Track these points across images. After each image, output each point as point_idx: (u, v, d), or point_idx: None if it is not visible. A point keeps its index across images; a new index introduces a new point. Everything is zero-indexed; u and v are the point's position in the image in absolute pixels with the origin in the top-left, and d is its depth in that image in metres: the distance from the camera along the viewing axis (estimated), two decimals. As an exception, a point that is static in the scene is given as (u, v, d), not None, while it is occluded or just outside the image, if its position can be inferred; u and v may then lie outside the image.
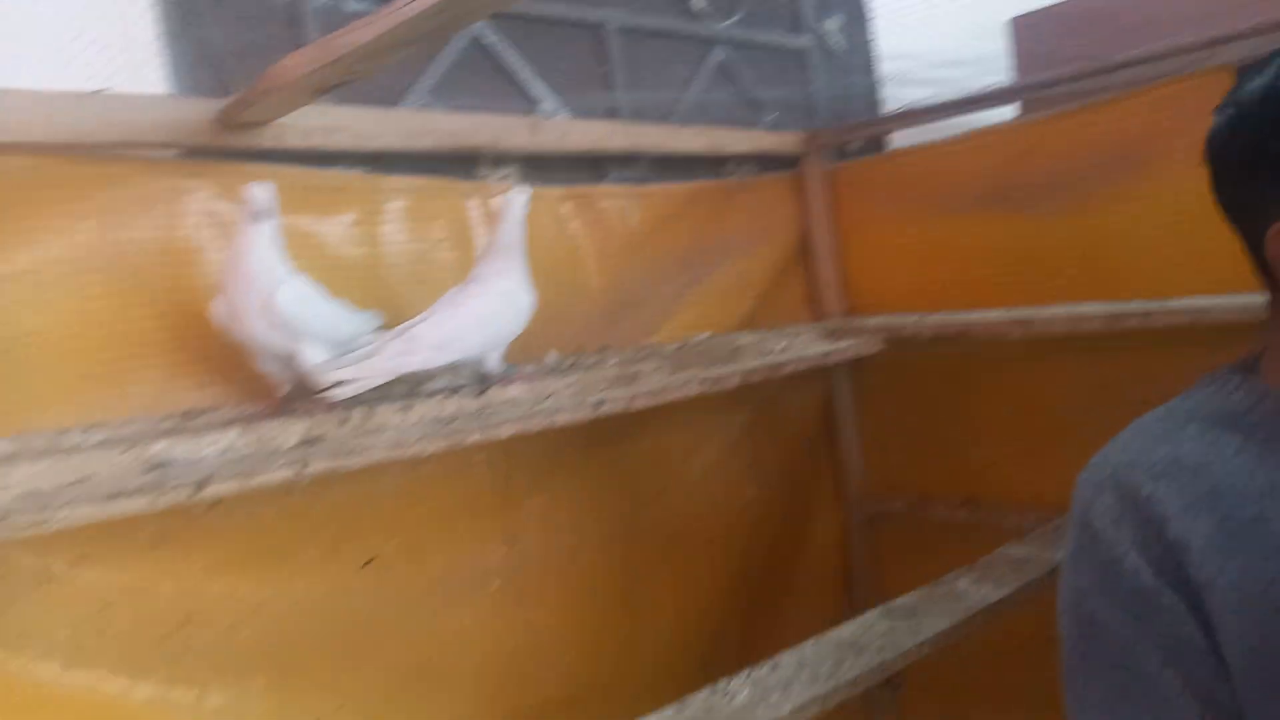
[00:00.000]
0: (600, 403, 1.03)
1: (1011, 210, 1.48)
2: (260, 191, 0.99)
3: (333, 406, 0.98)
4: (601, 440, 1.42)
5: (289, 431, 0.92)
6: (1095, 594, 0.64)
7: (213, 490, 0.78)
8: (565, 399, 1.06)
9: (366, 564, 1.21)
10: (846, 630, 1.02)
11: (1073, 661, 0.66)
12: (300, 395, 1.03)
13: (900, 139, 1.83)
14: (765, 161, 1.71)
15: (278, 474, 0.82)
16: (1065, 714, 0.67)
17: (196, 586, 1.08)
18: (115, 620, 1.02)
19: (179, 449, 0.84)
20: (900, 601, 1.09)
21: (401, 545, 1.23)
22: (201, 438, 0.87)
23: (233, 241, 1.02)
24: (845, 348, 1.36)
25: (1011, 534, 1.35)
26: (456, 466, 1.28)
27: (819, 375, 1.71)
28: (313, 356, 0.98)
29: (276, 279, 1.00)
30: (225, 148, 1.11)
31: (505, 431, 0.94)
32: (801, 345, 1.40)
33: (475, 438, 0.92)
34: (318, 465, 0.84)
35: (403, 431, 0.95)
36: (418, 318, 1.03)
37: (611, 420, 1.42)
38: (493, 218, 1.34)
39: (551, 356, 1.33)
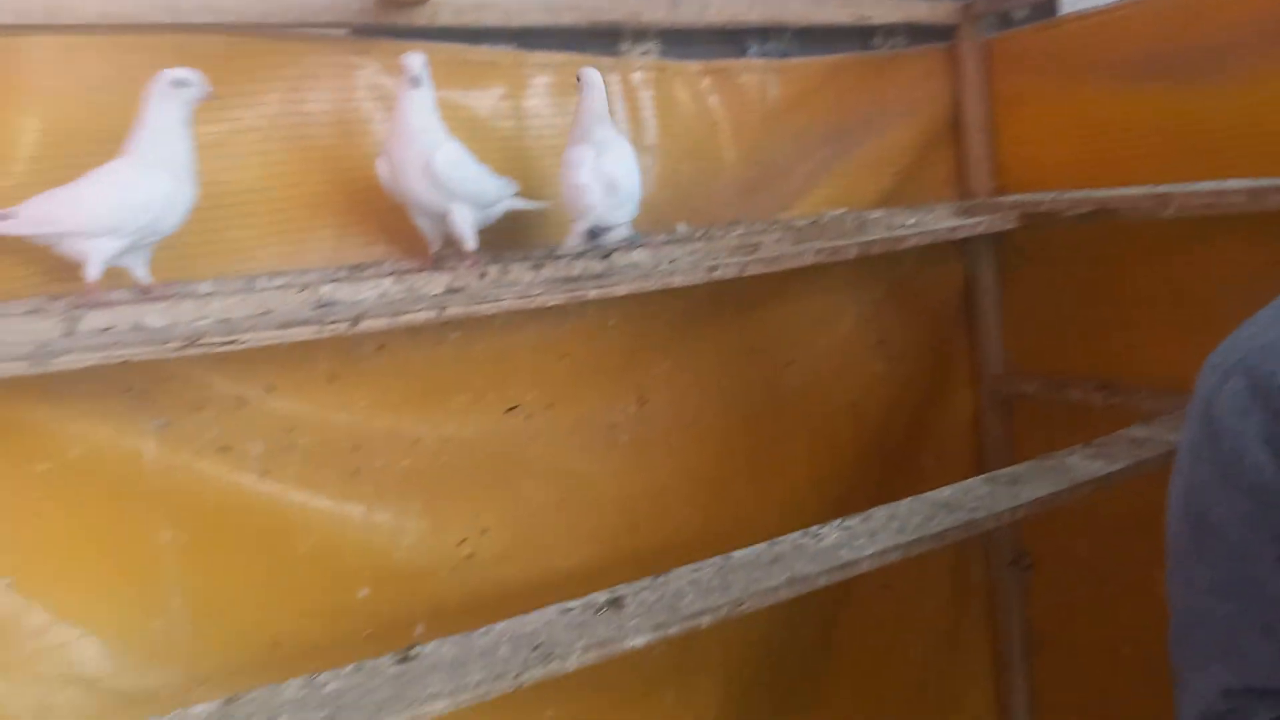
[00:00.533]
0: (714, 268, 1.09)
1: (1176, 83, 1.40)
2: (414, 59, 1.09)
3: (476, 263, 1.09)
4: (730, 310, 1.48)
5: (435, 282, 1.04)
6: (1212, 488, 0.62)
7: (366, 325, 0.91)
8: (683, 263, 1.13)
9: (510, 410, 1.34)
10: (945, 492, 1.07)
11: (1180, 548, 0.64)
12: (449, 252, 1.15)
13: (1070, 3, 1.73)
14: (916, 33, 1.66)
15: (420, 315, 0.94)
16: (1168, 593, 0.66)
17: (364, 420, 1.24)
18: (299, 442, 1.20)
19: (342, 292, 0.97)
20: (1006, 470, 1.12)
21: (541, 396, 1.36)
22: (362, 284, 1.01)
23: (395, 108, 1.14)
24: (975, 224, 1.35)
25: (1145, 419, 1.33)
26: (591, 328, 1.38)
27: (958, 253, 1.69)
28: (462, 216, 1.09)
29: (434, 142, 1.11)
30: (388, 26, 1.22)
31: (621, 290, 1.03)
32: (932, 221, 1.40)
33: (594, 294, 1.01)
34: (454, 310, 0.95)
35: (531, 286, 1.05)
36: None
37: (740, 290, 1.49)
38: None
39: (681, 228, 1.39)
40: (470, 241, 1.11)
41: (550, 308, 1.30)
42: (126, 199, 0.99)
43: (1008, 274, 1.69)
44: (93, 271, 0.98)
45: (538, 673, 0.78)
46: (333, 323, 0.89)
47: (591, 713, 1.37)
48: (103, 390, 1.09)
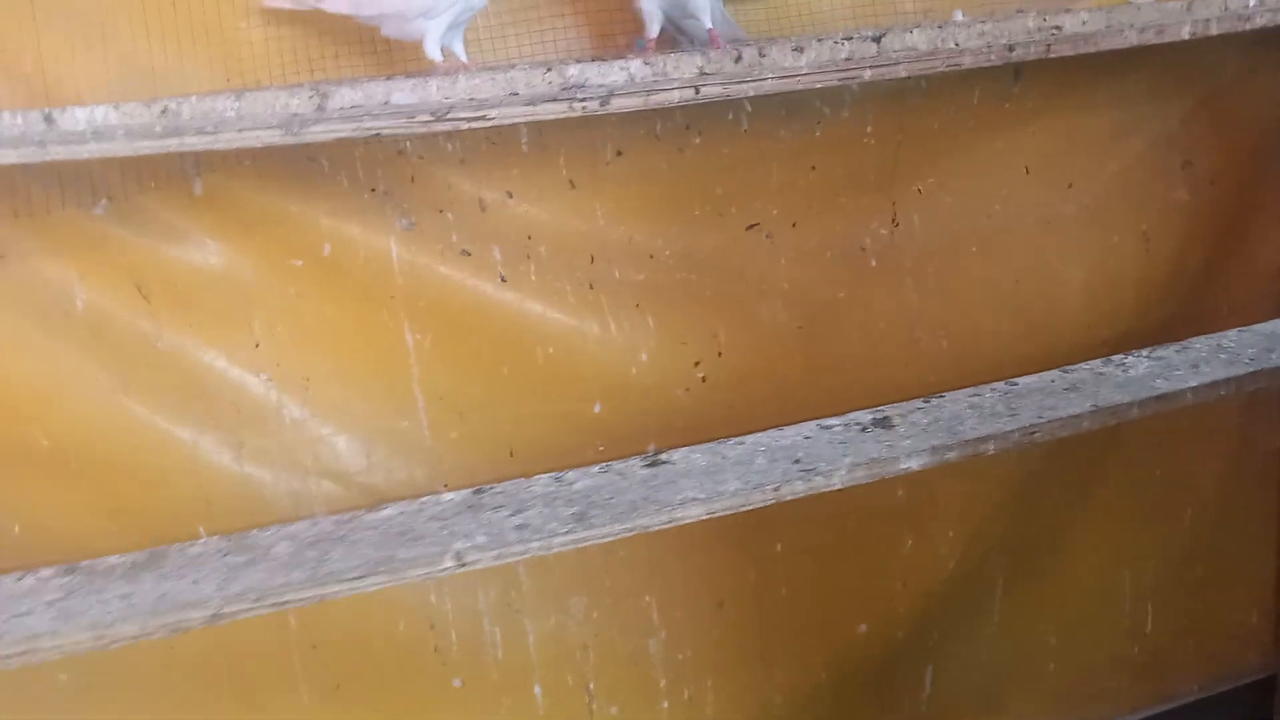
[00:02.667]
0: (1012, 46, 0.92)
1: None
2: None
3: (725, 46, 0.98)
4: (1004, 122, 1.30)
5: (686, 65, 0.94)
6: None
7: (617, 104, 0.83)
8: (972, 44, 0.96)
9: (751, 228, 1.24)
10: (1274, 324, 0.89)
11: None
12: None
13: None
14: None
15: (675, 94, 0.85)
16: None
17: (601, 231, 1.19)
18: (537, 250, 1.16)
19: (590, 73, 0.89)
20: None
21: (785, 213, 1.25)
22: (611, 64, 0.92)
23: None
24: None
25: None
26: (846, 136, 1.24)
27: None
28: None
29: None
30: None
31: (902, 70, 0.89)
32: (1282, 2, 1.14)
33: (867, 75, 0.88)
34: (710, 90, 0.85)
35: (795, 69, 0.93)
36: None
37: (1018, 98, 1.29)
38: None
39: (959, 14, 1.20)
40: (710, 19, 0.99)
41: (807, 108, 1.19)
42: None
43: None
44: (429, 50, 0.96)
45: (799, 487, 0.71)
46: (583, 100, 0.82)
47: (821, 550, 1.31)
48: (350, 190, 1.09)
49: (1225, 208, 1.42)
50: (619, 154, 1.17)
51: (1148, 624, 1.53)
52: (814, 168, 1.25)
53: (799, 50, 0.97)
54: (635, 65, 0.93)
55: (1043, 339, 1.32)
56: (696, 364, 1.23)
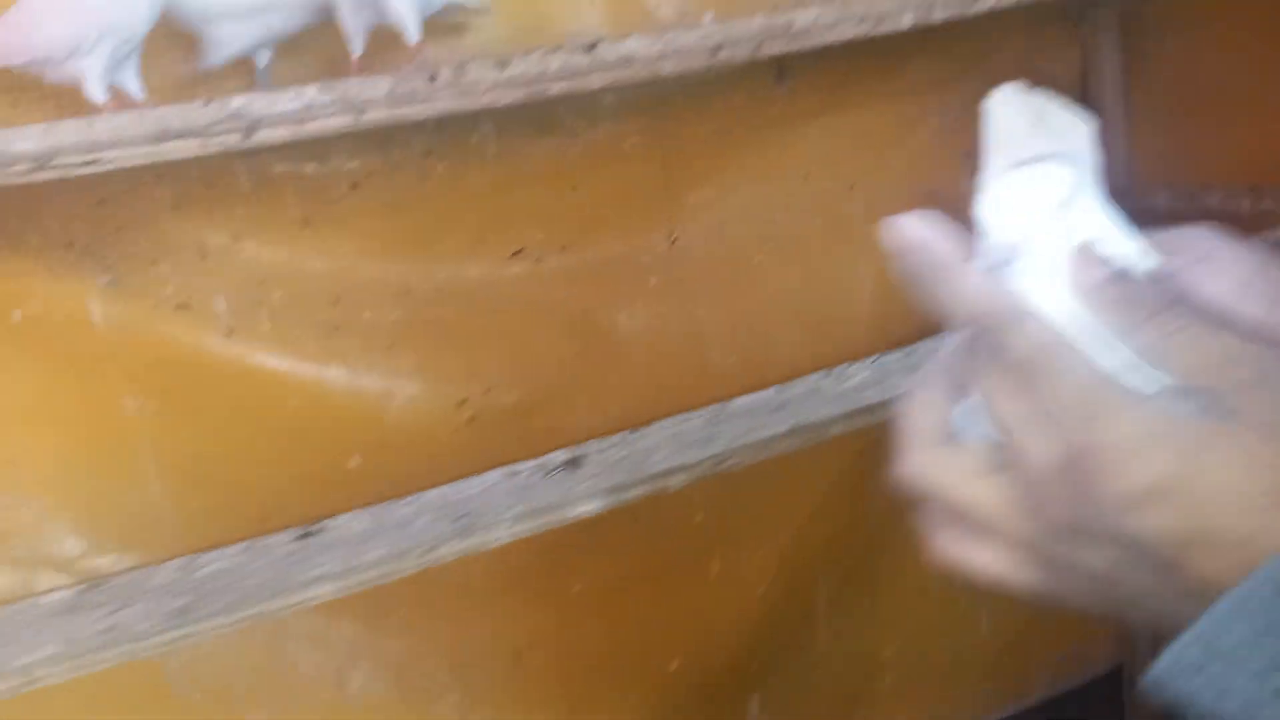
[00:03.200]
0: (719, 47, 0.86)
1: None
2: None
3: (422, 61, 0.91)
4: (773, 125, 1.25)
5: (374, 88, 0.86)
6: None
7: (264, 136, 0.76)
8: (679, 45, 0.90)
9: (515, 254, 1.18)
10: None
11: None
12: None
13: None
14: None
15: (332, 122, 0.77)
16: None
17: (345, 270, 1.10)
18: (269, 296, 1.08)
19: (258, 105, 0.81)
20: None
21: (551, 236, 1.18)
22: (281, 93, 0.84)
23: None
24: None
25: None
26: (606, 151, 1.18)
27: (1071, 35, 1.38)
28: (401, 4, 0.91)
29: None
30: None
31: (595, 81, 0.82)
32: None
33: (557, 89, 0.81)
34: (375, 115, 0.78)
35: (495, 85, 0.86)
36: None
37: (787, 101, 1.25)
38: None
39: (709, 18, 1.15)
40: (413, 31, 0.91)
41: (557, 126, 1.13)
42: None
43: (1135, 59, 1.37)
44: (91, 91, 0.86)
45: (455, 548, 0.64)
46: (220, 134, 0.74)
47: (622, 586, 1.25)
48: (41, 247, 0.99)
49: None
50: (354, 187, 1.10)
51: (985, 625, 1.49)
52: (575, 187, 1.18)
53: (502, 66, 0.90)
54: (312, 92, 0.85)
55: (828, 346, 1.27)
56: (461, 403, 1.15)
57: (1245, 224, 1.22)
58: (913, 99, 1.33)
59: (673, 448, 0.72)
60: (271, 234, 1.07)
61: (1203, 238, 0.42)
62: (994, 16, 1.13)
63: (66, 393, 1.01)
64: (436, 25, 0.99)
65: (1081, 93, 1.40)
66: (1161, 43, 1.34)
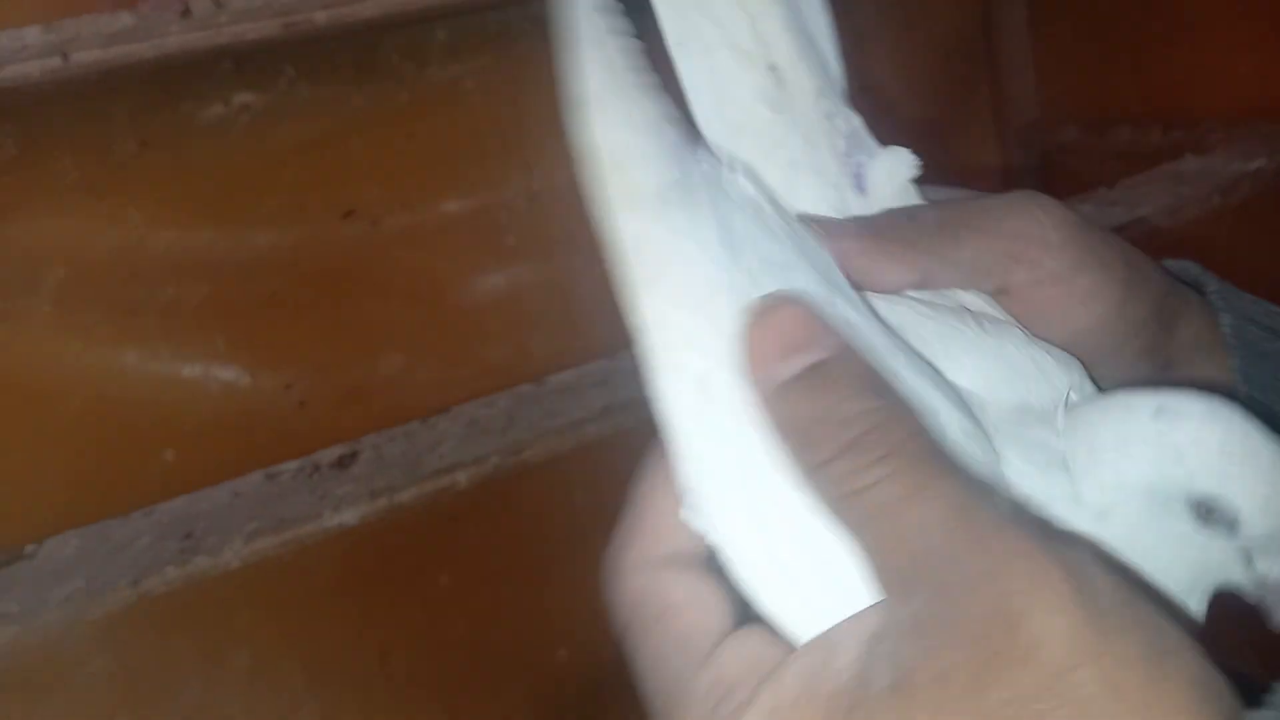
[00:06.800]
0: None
1: None
2: None
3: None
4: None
5: (113, 23, 0.72)
6: None
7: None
8: None
9: (347, 215, 1.04)
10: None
11: None
12: None
13: None
14: None
15: (31, 65, 0.63)
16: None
17: (140, 242, 0.96)
18: (46, 276, 0.93)
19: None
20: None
21: (387, 196, 1.05)
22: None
23: None
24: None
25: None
26: (441, 98, 1.05)
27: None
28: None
29: None
30: None
31: (370, 10, 0.68)
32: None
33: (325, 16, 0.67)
34: (81, 55, 0.64)
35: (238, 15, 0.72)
36: None
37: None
38: None
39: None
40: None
41: (383, 68, 1.00)
42: None
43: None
44: None
45: (171, 576, 0.53)
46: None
47: (500, 575, 1.14)
48: None
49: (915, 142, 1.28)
50: (144, 145, 0.95)
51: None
52: (411, 135, 1.05)
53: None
54: (34, 31, 0.70)
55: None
56: (288, 386, 1.03)
57: (1156, 156, 1.12)
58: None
59: (460, 438, 0.60)
60: (46, 203, 0.93)
61: (1017, 214, 0.35)
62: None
63: None
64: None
65: (985, 26, 1.28)
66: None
